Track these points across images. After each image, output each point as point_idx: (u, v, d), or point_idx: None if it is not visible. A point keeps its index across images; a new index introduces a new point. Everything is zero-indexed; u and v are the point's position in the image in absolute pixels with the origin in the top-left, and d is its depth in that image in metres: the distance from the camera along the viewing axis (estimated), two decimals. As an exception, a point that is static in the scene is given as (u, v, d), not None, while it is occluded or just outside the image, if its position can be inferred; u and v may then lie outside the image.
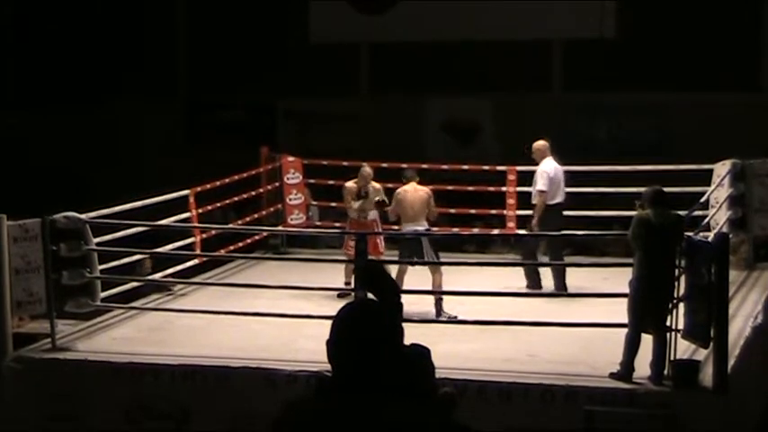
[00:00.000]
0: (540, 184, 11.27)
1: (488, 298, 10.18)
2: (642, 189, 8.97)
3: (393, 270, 9.93)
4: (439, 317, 10.11)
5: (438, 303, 10.25)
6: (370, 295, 3.79)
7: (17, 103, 18.93)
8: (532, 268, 11.18)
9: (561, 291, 10.85)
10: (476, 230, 13.68)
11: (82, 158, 18.16)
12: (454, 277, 10.58)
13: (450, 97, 17.63)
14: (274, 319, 9.70)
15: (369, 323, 3.11)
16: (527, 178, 12.43)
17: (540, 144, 11.54)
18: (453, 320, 9.96)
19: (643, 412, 8.15)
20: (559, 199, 11.35)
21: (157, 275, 11.12)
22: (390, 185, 13.00)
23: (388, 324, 3.14)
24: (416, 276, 10.47)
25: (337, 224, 13.64)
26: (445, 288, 10.30)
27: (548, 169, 11.29)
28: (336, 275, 11.02)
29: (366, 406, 3.03)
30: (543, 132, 12.00)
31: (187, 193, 11.79)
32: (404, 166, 13.14)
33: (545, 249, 12.01)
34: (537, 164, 11.49)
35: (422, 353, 4.03)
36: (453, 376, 7.85)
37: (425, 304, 10.20)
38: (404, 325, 3.48)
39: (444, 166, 13.10)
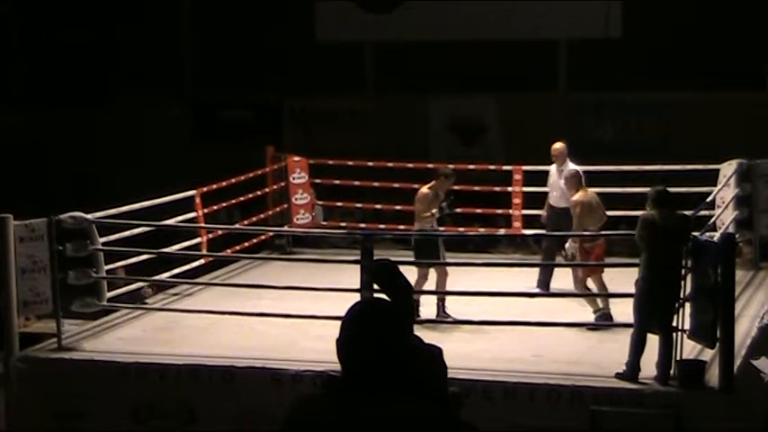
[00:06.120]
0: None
1: (494, 298, 10.17)
2: (648, 189, 8.96)
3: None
4: (438, 317, 10.10)
5: (440, 304, 10.24)
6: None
7: (23, 103, 18.95)
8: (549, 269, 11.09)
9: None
10: (482, 230, 13.66)
11: (89, 158, 18.18)
12: (460, 277, 10.56)
13: (456, 96, 17.63)
14: (280, 319, 9.71)
15: (380, 322, 3.11)
16: (533, 178, 12.43)
17: (563, 146, 11.43)
18: (449, 321, 9.99)
19: (649, 412, 8.15)
20: None
21: (164, 275, 11.10)
22: (396, 185, 13.04)
23: (398, 323, 3.14)
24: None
25: (343, 224, 13.64)
26: (452, 288, 10.28)
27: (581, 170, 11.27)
28: (342, 276, 10.98)
29: (374, 405, 3.04)
30: (548, 132, 12.06)
31: (193, 194, 11.80)
32: (409, 165, 13.18)
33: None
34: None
35: (433, 353, 4.02)
36: (459, 376, 7.83)
37: (429, 304, 10.20)
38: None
39: (450, 166, 13.08)
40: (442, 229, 10.95)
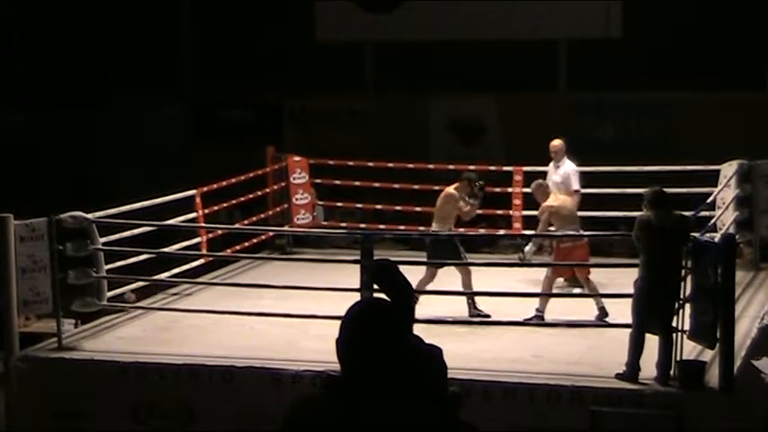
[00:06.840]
0: (577, 183, 11.30)
1: (495, 298, 10.18)
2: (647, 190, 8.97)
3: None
4: (471, 315, 10.16)
5: (470, 302, 10.30)
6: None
7: (23, 103, 18.95)
8: None
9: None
10: (482, 230, 13.65)
11: (89, 158, 18.18)
12: (461, 277, 10.55)
13: (456, 96, 17.63)
14: (280, 318, 9.71)
15: (379, 322, 3.11)
16: (533, 178, 12.41)
17: (561, 143, 11.51)
18: (484, 316, 10.04)
19: (649, 413, 8.15)
20: None
21: (163, 275, 11.10)
22: (396, 185, 13.04)
23: (398, 323, 3.14)
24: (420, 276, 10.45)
25: (343, 224, 13.64)
26: (452, 288, 10.27)
27: (576, 168, 11.36)
28: (342, 276, 10.98)
29: (374, 405, 3.04)
30: (548, 132, 12.06)
31: (193, 194, 11.80)
32: (409, 165, 13.18)
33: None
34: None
35: (433, 353, 4.01)
36: (459, 376, 7.83)
37: (430, 304, 10.19)
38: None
39: (451, 166, 13.10)
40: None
